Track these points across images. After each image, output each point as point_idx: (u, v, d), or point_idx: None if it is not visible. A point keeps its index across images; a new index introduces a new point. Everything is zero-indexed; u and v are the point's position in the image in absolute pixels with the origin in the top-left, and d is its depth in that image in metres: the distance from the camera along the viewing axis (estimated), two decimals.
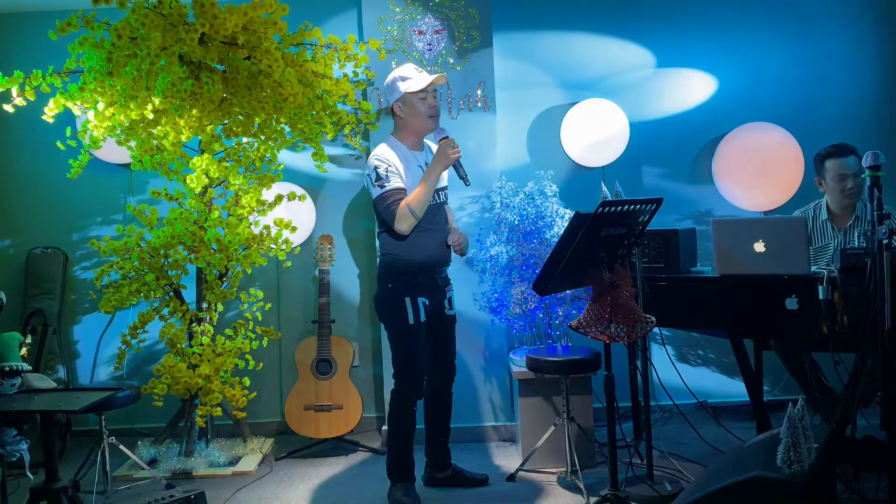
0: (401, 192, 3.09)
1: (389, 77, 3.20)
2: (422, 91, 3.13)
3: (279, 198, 3.84)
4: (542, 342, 3.87)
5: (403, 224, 3.07)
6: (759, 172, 4.24)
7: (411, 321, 3.13)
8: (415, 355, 3.19)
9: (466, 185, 3.15)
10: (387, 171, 3.08)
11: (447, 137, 3.14)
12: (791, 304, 2.90)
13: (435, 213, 3.21)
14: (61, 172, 3.91)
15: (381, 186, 3.08)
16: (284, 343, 4.36)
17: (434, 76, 3.17)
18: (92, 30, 3.33)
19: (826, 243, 3.61)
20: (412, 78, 3.14)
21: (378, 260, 3.29)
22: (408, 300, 3.13)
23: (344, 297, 4.40)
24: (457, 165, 3.12)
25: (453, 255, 3.31)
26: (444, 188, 3.32)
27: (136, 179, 4.43)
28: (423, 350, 3.22)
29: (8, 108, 3.52)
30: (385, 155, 3.13)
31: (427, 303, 3.17)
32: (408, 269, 3.15)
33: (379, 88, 4.12)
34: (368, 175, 3.13)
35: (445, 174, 3.30)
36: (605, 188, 3.74)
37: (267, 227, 3.84)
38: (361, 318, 4.42)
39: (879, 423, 2.68)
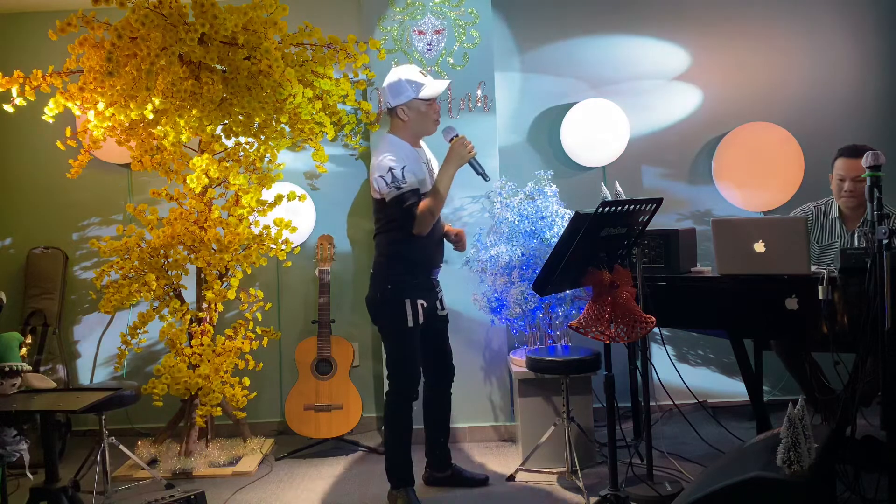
0: (417, 193, 3.05)
1: (394, 77, 3.13)
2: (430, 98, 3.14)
3: (279, 198, 3.84)
4: (542, 342, 3.87)
5: (424, 227, 3.05)
6: (759, 172, 4.24)
7: (410, 323, 3.12)
8: (414, 357, 3.19)
9: (486, 181, 3.18)
10: (403, 172, 3.03)
11: (458, 136, 3.12)
12: (791, 304, 2.89)
13: None
14: (61, 172, 3.92)
15: (399, 188, 3.02)
16: (284, 343, 4.35)
17: (446, 82, 3.21)
18: (92, 30, 3.34)
19: (833, 241, 3.58)
20: (424, 84, 3.11)
21: (374, 261, 3.24)
22: (407, 302, 3.12)
23: (344, 297, 4.40)
24: (473, 163, 3.11)
25: (453, 255, 3.31)
26: None
27: (136, 179, 4.43)
28: (419, 351, 3.22)
29: (8, 108, 3.52)
30: (399, 154, 3.08)
31: (425, 305, 3.17)
32: (409, 269, 3.14)
33: (379, 88, 4.11)
34: (381, 177, 3.04)
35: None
36: (605, 188, 3.75)
37: (267, 227, 3.84)
38: (361, 318, 4.40)
39: (879, 423, 2.68)
